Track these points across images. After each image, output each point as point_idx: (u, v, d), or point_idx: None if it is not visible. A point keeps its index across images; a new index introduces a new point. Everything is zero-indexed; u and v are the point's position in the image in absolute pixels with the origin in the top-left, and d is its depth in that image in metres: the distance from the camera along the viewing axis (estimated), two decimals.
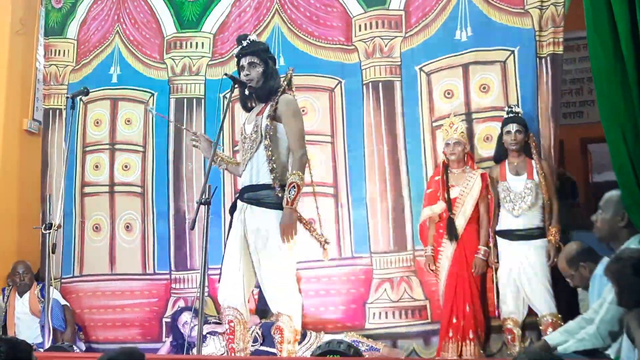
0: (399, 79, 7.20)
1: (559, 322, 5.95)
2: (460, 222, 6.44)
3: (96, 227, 7.85)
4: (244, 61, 5.46)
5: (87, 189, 7.97)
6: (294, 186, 5.14)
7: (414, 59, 7.16)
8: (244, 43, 5.52)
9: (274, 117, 5.33)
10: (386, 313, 6.91)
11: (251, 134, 5.37)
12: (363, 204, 7.09)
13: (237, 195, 5.50)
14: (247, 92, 5.50)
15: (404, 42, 7.21)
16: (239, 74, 5.50)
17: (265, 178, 5.29)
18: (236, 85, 5.45)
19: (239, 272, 5.32)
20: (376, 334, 6.84)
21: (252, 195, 5.31)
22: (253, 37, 5.65)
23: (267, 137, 5.28)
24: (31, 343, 3.67)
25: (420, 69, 7.11)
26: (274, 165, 5.26)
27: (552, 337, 4.46)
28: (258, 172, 5.31)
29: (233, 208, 5.47)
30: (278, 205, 5.21)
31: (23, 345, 3.36)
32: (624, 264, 3.57)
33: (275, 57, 5.80)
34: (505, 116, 6.53)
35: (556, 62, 6.66)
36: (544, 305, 6.15)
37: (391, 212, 7.03)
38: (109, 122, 8.02)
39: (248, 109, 5.60)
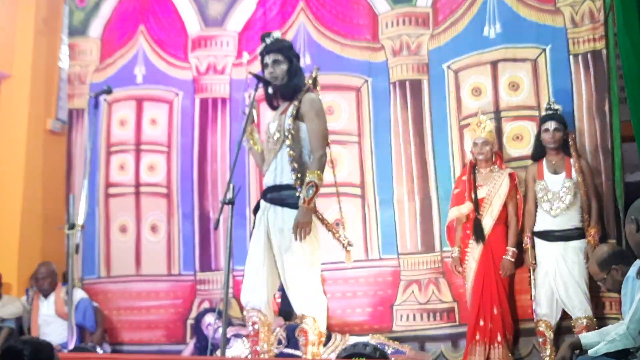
0: (427, 77, 7.11)
1: (594, 326, 5.85)
2: (488, 223, 6.35)
3: (122, 228, 7.82)
4: (268, 59, 5.44)
5: (112, 190, 7.96)
6: (312, 185, 5.13)
7: (441, 57, 7.08)
8: (268, 41, 5.50)
9: (297, 116, 5.31)
10: (414, 315, 6.83)
11: (275, 133, 5.35)
12: (390, 205, 7.01)
13: (261, 195, 5.45)
14: (270, 91, 5.47)
15: (431, 40, 7.13)
16: (263, 72, 5.46)
17: (288, 178, 5.28)
18: (261, 85, 5.42)
19: (263, 273, 5.30)
20: (403, 336, 6.77)
21: (276, 195, 5.30)
22: (277, 34, 5.63)
23: (290, 136, 5.27)
24: (55, 343, 3.63)
25: (448, 67, 7.03)
26: (296, 164, 5.25)
27: (586, 336, 4.39)
28: (282, 172, 5.31)
29: (257, 208, 5.43)
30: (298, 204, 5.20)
31: (45, 346, 3.31)
32: (631, 220, 3.52)
33: (300, 54, 5.75)
34: (544, 113, 6.44)
35: (599, 58, 6.53)
36: (580, 307, 6.05)
37: (419, 212, 6.95)
38: (134, 122, 7.99)
39: (274, 108, 5.56)
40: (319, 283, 5.34)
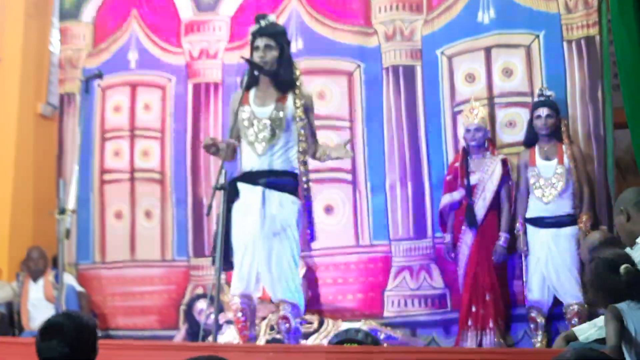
0: (420, 63, 7.08)
1: (585, 312, 5.88)
2: (480, 209, 6.35)
3: (117, 214, 7.81)
4: (260, 42, 5.42)
5: (107, 176, 7.93)
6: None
7: (435, 43, 7.04)
8: (263, 23, 5.48)
9: (301, 109, 5.37)
10: (405, 301, 6.82)
11: (271, 119, 5.33)
12: (382, 191, 6.98)
13: (239, 177, 5.40)
14: (256, 73, 5.44)
15: (425, 26, 7.09)
16: (252, 53, 5.44)
17: (287, 165, 5.36)
18: (255, 70, 5.41)
19: (255, 260, 5.28)
20: (394, 322, 6.76)
21: (273, 180, 5.28)
22: (272, 18, 5.62)
23: (299, 127, 5.40)
24: None
25: (442, 53, 7.01)
26: (298, 152, 5.39)
27: (580, 328, 4.38)
28: (280, 158, 5.32)
29: (234, 193, 5.38)
30: (296, 192, 5.31)
31: (89, 322, 3.15)
32: (598, 263, 3.59)
33: (292, 39, 5.74)
34: (536, 99, 6.43)
35: (592, 44, 6.52)
36: (571, 294, 6.08)
37: (410, 198, 6.92)
38: (128, 108, 7.95)
39: (248, 88, 5.50)
40: (300, 271, 5.40)
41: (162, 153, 7.79)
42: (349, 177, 7.12)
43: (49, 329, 3.03)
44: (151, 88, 7.94)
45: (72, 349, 2.96)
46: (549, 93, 6.39)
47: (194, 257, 7.52)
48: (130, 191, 7.83)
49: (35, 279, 7.35)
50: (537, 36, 6.74)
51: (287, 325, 5.22)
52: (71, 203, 5.88)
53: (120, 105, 7.98)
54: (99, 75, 6.29)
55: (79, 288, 7.48)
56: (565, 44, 6.63)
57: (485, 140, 6.51)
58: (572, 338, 4.29)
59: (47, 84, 8.21)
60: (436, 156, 6.93)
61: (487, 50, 6.88)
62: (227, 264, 5.39)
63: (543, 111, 6.30)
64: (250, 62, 5.40)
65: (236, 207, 5.36)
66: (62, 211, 5.84)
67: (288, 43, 5.57)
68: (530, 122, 6.42)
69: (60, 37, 8.18)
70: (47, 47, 8.26)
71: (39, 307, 7.21)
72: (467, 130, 6.49)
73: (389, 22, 7.16)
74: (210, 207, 5.24)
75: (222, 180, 5.11)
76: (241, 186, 5.36)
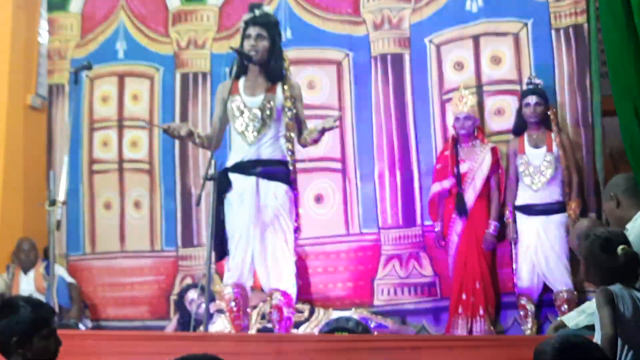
0: (408, 51, 7.09)
1: (574, 299, 5.92)
2: (470, 198, 6.39)
3: (107, 205, 7.79)
4: (252, 31, 5.43)
5: (96, 167, 7.90)
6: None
7: (423, 31, 7.05)
8: (257, 12, 5.49)
9: (287, 98, 5.41)
10: (395, 290, 6.83)
11: (261, 109, 5.35)
12: (371, 179, 6.99)
13: (231, 168, 5.40)
14: (245, 63, 5.45)
15: (413, 14, 7.09)
16: (243, 41, 5.44)
17: (278, 153, 5.38)
18: (244, 60, 5.42)
19: (248, 249, 5.30)
20: (385, 310, 6.78)
21: (265, 169, 5.31)
22: (267, 8, 5.62)
23: (288, 116, 5.41)
24: None
25: (430, 41, 7.01)
26: (289, 141, 5.42)
27: (569, 317, 4.40)
28: (270, 147, 5.35)
29: (225, 183, 5.38)
30: (289, 180, 5.34)
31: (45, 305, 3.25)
32: (591, 241, 3.48)
33: (281, 29, 5.74)
34: (525, 88, 6.45)
35: (580, 32, 6.54)
36: (561, 281, 6.12)
37: (400, 187, 6.94)
38: (117, 98, 7.92)
39: (237, 78, 5.50)
40: (293, 260, 5.39)
41: (151, 143, 7.76)
42: (338, 165, 7.13)
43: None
44: (139, 78, 7.91)
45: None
46: (537, 81, 6.41)
47: (182, 247, 7.52)
48: (119, 181, 7.81)
49: (26, 271, 7.34)
50: (526, 24, 6.77)
51: (279, 314, 5.23)
52: (61, 194, 5.87)
53: (108, 95, 7.94)
54: (88, 67, 6.25)
55: (69, 279, 7.46)
56: (553, 32, 6.66)
57: (475, 128, 6.53)
58: (562, 327, 4.32)
59: (37, 75, 8.16)
60: (425, 144, 6.94)
61: (476, 39, 6.90)
62: (222, 253, 5.41)
63: (532, 99, 6.32)
64: (239, 51, 5.40)
65: (229, 197, 5.36)
66: (53, 203, 5.82)
67: (280, 34, 5.59)
68: (519, 110, 6.44)
69: (48, 27, 8.14)
70: (36, 39, 8.21)
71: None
72: (457, 119, 6.50)
73: (377, 10, 7.16)
74: (199, 197, 5.23)
75: (211, 171, 5.12)
76: (233, 176, 5.35)
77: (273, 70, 5.45)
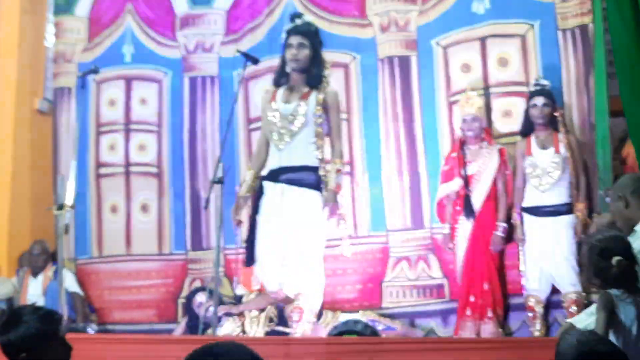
0: (415, 53, 7.09)
1: (582, 300, 5.90)
2: (478, 199, 6.37)
3: (113, 208, 7.80)
4: (294, 40, 5.55)
5: (102, 170, 7.93)
6: (340, 173, 5.58)
7: (430, 33, 7.05)
8: (298, 22, 5.58)
9: (321, 105, 5.51)
10: (403, 292, 6.83)
11: (293, 116, 5.40)
12: (379, 181, 6.99)
13: (268, 177, 5.47)
14: (288, 69, 5.52)
15: (420, 16, 7.09)
16: (285, 51, 5.52)
17: (307, 160, 5.52)
18: (249, 62, 5.44)
19: (275, 256, 5.37)
20: (393, 313, 6.77)
21: (293, 176, 5.41)
22: (308, 18, 5.71)
23: (317, 123, 5.52)
24: None
25: (437, 43, 7.01)
26: (320, 149, 5.55)
27: (578, 319, 4.38)
28: (299, 153, 5.49)
29: (259, 191, 5.48)
30: (317, 186, 5.46)
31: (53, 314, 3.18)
32: (590, 248, 3.55)
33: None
34: (532, 89, 6.44)
35: (586, 33, 6.53)
36: (569, 282, 6.09)
37: (408, 189, 6.94)
38: (124, 102, 7.94)
39: (278, 85, 5.58)
40: (322, 263, 5.44)
41: (159, 147, 7.78)
42: (346, 168, 7.12)
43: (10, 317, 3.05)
44: (147, 82, 7.93)
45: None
46: (544, 82, 6.40)
47: (191, 250, 7.53)
48: (126, 185, 7.83)
49: (35, 275, 7.35)
50: (532, 25, 6.75)
51: (300, 315, 5.27)
52: (69, 199, 5.89)
53: (115, 99, 7.97)
54: (95, 71, 6.30)
55: (72, 289, 7.41)
56: (560, 33, 6.64)
57: (482, 130, 6.52)
58: (571, 330, 4.30)
59: (44, 79, 8.19)
60: (432, 146, 6.94)
61: (482, 40, 6.89)
62: (251, 259, 5.50)
63: (539, 100, 6.31)
64: (246, 55, 5.45)
65: (261, 204, 5.45)
66: (61, 207, 5.85)
67: (321, 42, 5.70)
68: (527, 112, 6.43)
69: (55, 31, 8.17)
70: (43, 43, 8.24)
71: (38, 302, 7.19)
72: (464, 121, 6.50)
73: (383, 13, 7.16)
74: (208, 200, 5.26)
75: (219, 174, 5.15)
76: (265, 184, 5.47)
77: (313, 77, 5.54)
